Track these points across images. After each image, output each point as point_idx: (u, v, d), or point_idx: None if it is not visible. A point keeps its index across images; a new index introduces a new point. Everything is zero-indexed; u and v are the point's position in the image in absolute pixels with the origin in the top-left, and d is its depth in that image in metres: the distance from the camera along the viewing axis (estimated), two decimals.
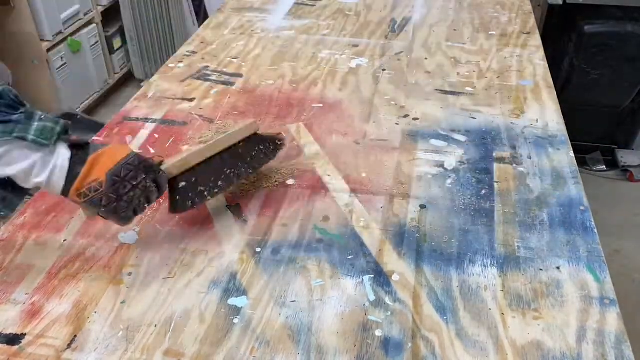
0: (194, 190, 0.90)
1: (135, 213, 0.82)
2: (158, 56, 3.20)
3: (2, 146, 0.72)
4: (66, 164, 0.75)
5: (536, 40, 1.58)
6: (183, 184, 0.89)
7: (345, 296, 0.81)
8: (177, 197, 0.89)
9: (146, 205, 0.83)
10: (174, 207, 0.89)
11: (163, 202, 0.98)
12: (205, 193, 0.91)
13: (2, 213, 0.90)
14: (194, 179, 0.90)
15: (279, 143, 1.03)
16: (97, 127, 1.00)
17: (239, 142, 0.96)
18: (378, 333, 0.75)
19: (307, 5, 1.84)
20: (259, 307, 0.79)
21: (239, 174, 0.96)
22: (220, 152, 0.93)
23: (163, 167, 0.85)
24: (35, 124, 0.74)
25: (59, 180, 0.76)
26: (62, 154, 0.75)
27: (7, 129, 0.72)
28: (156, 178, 0.83)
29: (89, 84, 2.97)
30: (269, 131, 1.11)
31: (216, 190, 0.93)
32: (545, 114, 1.24)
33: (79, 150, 0.77)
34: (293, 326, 0.76)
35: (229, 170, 0.95)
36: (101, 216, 0.81)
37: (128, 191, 0.79)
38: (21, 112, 0.74)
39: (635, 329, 0.98)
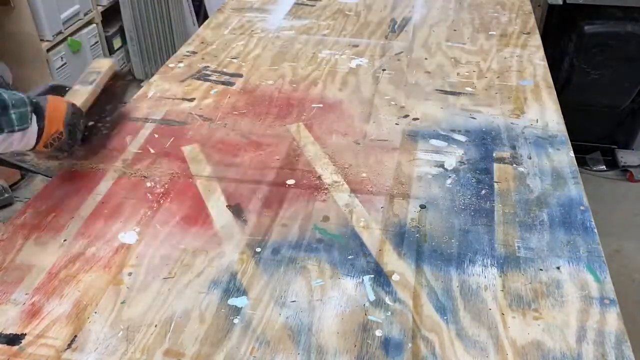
0: (95, 127, 1.14)
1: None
2: (158, 56, 3.20)
3: None
4: (35, 130, 0.92)
5: (536, 40, 1.58)
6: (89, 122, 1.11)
7: (345, 296, 0.81)
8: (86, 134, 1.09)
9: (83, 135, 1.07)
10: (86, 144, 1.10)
11: (163, 203, 0.98)
12: (102, 128, 1.15)
13: None
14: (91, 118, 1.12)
15: (127, 77, 1.35)
16: None
17: (107, 85, 1.19)
18: (378, 333, 0.75)
19: (307, 5, 1.84)
20: (259, 307, 0.79)
21: (116, 107, 1.21)
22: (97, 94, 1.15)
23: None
24: (13, 113, 0.86)
25: (32, 143, 0.92)
26: (33, 125, 0.91)
27: None
28: (80, 118, 1.05)
29: None
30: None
31: (108, 123, 1.17)
32: (545, 114, 1.24)
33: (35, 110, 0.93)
34: (293, 326, 0.76)
35: (109, 106, 1.18)
36: (51, 155, 1.03)
37: (77, 134, 1.02)
38: None
39: (635, 329, 0.98)
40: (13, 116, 0.86)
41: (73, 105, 1.01)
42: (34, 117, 0.91)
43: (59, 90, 1.08)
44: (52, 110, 0.95)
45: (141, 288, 0.82)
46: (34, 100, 0.93)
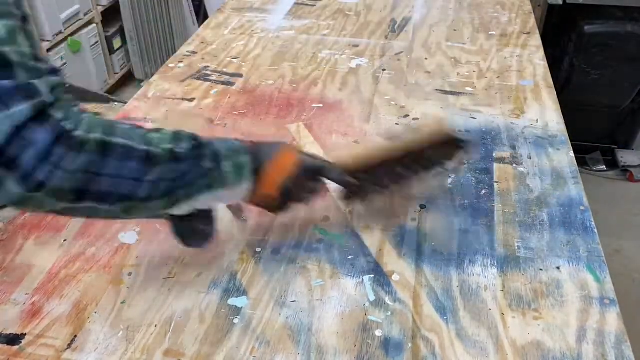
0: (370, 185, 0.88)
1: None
2: (158, 56, 3.20)
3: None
4: (246, 188, 0.76)
5: (536, 40, 1.58)
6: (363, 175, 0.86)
7: (345, 296, 0.81)
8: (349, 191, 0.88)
9: (310, 198, 0.85)
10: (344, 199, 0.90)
11: None
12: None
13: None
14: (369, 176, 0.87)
15: (460, 145, 0.95)
16: (87, 96, 1.01)
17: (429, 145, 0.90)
18: (378, 333, 0.75)
19: (307, 5, 1.84)
20: (259, 307, 0.79)
21: (409, 174, 0.91)
22: (404, 156, 0.89)
23: (334, 160, 0.85)
24: (226, 165, 0.73)
25: (237, 198, 0.78)
26: (244, 183, 0.76)
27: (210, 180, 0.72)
28: (325, 176, 0.84)
29: (89, 84, 2.97)
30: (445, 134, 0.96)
31: (383, 189, 0.91)
32: (545, 114, 1.24)
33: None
34: (293, 326, 0.76)
35: (400, 169, 0.90)
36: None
37: (294, 197, 0.82)
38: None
39: (635, 329, 0.98)
40: (227, 171, 0.72)
41: (305, 162, 0.81)
42: (248, 179, 0.75)
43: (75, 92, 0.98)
44: (272, 169, 0.77)
45: (141, 288, 0.82)
46: (254, 151, 0.76)
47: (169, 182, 0.67)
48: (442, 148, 0.92)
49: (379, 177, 0.89)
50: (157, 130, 0.70)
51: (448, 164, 0.96)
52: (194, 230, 0.78)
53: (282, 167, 0.78)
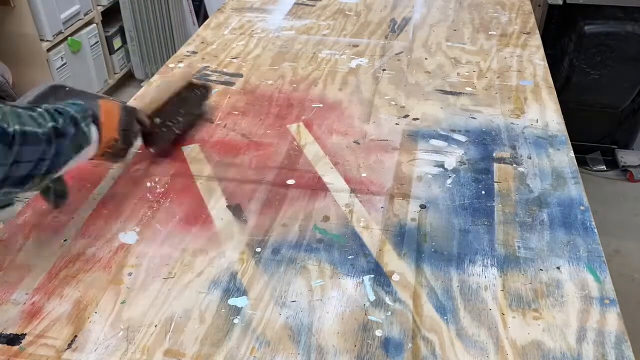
0: (165, 126, 1.09)
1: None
2: (158, 56, 3.20)
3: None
4: (96, 140, 0.88)
5: (536, 40, 1.58)
6: (157, 119, 1.07)
7: (345, 296, 0.81)
8: (157, 131, 1.07)
9: (138, 136, 1.02)
10: (150, 143, 1.07)
11: (163, 203, 0.98)
12: (174, 128, 1.10)
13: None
14: (158, 119, 1.07)
15: (207, 88, 1.26)
16: (87, 97, 1.05)
17: (181, 90, 1.17)
18: (378, 333, 0.75)
19: (307, 5, 1.84)
20: (259, 307, 0.79)
21: (192, 112, 1.18)
22: (170, 96, 1.13)
23: (138, 107, 1.03)
24: (84, 126, 0.84)
25: (94, 150, 0.88)
26: (94, 135, 0.87)
27: (79, 140, 0.83)
28: (137, 117, 1.01)
29: (89, 84, 2.97)
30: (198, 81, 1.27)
31: (181, 125, 1.12)
32: (545, 114, 1.24)
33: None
34: (293, 326, 0.76)
35: (182, 110, 1.14)
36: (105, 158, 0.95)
37: (132, 137, 0.97)
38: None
39: (635, 329, 0.98)
40: (85, 129, 0.84)
41: (125, 107, 0.97)
42: (94, 127, 0.87)
43: (58, 90, 1.05)
44: (106, 117, 0.90)
45: (141, 288, 0.82)
46: (89, 107, 0.89)
47: (61, 154, 0.78)
48: (190, 91, 1.20)
49: (169, 115, 1.11)
50: (33, 108, 0.77)
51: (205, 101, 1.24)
52: (57, 192, 0.91)
53: (112, 113, 0.92)
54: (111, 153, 0.93)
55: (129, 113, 0.97)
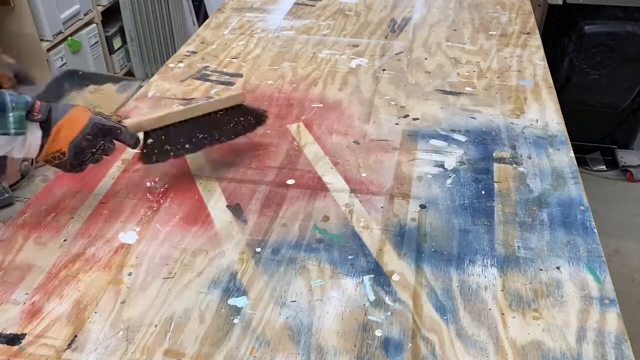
0: (159, 148, 0.98)
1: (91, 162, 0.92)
2: (158, 56, 3.20)
3: None
4: (39, 142, 0.84)
5: (536, 40, 1.58)
6: (150, 140, 0.97)
7: (345, 296, 0.81)
8: (145, 150, 0.97)
9: (103, 157, 0.92)
10: (141, 158, 0.98)
11: (163, 203, 0.98)
12: (171, 153, 0.99)
13: None
14: (162, 137, 0.98)
15: (262, 118, 1.10)
16: (100, 79, 1.04)
17: (220, 111, 1.03)
18: (378, 333, 0.75)
19: (307, 5, 1.84)
20: (259, 307, 0.79)
21: (211, 140, 1.03)
22: (197, 116, 1.00)
23: (126, 123, 0.93)
24: (11, 115, 0.80)
25: (34, 153, 0.85)
26: (35, 133, 0.84)
27: None
28: (117, 137, 0.91)
29: None
30: (255, 105, 1.13)
31: (181, 151, 1.00)
32: (545, 114, 1.24)
33: (45, 120, 0.85)
34: (293, 326, 0.76)
35: (201, 135, 1.01)
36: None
37: (88, 157, 0.89)
38: None
39: (635, 329, 0.98)
40: (11, 119, 0.80)
41: (97, 123, 0.87)
42: (34, 127, 0.83)
43: (73, 75, 1.05)
44: (63, 127, 0.85)
45: (141, 288, 0.82)
46: (48, 108, 0.84)
47: None
48: (236, 116, 1.05)
49: (176, 137, 0.99)
50: None
51: (247, 134, 1.08)
52: None
53: (74, 125, 0.86)
54: (56, 164, 0.87)
55: (98, 131, 0.88)
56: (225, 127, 1.04)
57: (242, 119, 1.06)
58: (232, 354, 0.73)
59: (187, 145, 1.00)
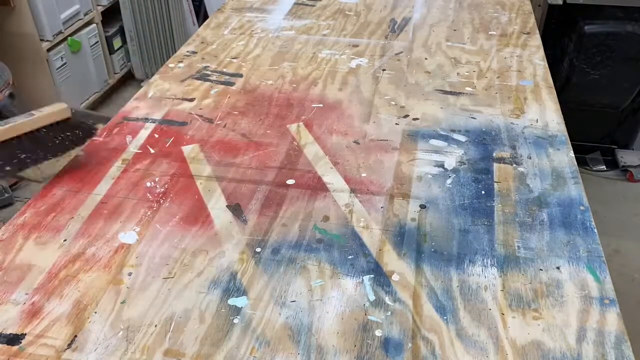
0: None
1: None
2: (158, 56, 3.20)
3: None
4: None
5: (536, 40, 1.58)
6: None
7: (345, 296, 0.81)
8: None
9: None
10: None
11: (163, 203, 0.98)
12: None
13: None
14: None
15: (92, 131, 1.06)
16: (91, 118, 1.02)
17: (44, 127, 0.99)
18: (378, 333, 0.75)
19: (307, 5, 1.84)
20: (259, 307, 0.79)
21: (36, 159, 0.99)
22: (19, 135, 0.97)
23: None
24: None
25: None
26: None
27: None
28: None
29: (89, 84, 2.97)
30: (84, 118, 1.09)
31: (1, 174, 0.97)
32: (545, 114, 1.24)
33: None
34: (293, 326, 0.76)
35: (23, 155, 0.97)
36: None
37: None
38: None
39: (635, 329, 0.98)
40: None
41: None
42: None
43: None
44: None
45: (141, 288, 0.82)
46: None
47: None
48: (62, 131, 1.01)
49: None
50: None
51: (75, 149, 1.04)
52: None
53: None
54: None
55: None
56: (51, 145, 1.01)
57: (69, 133, 1.02)
58: (232, 354, 0.73)
59: (6, 167, 0.97)
